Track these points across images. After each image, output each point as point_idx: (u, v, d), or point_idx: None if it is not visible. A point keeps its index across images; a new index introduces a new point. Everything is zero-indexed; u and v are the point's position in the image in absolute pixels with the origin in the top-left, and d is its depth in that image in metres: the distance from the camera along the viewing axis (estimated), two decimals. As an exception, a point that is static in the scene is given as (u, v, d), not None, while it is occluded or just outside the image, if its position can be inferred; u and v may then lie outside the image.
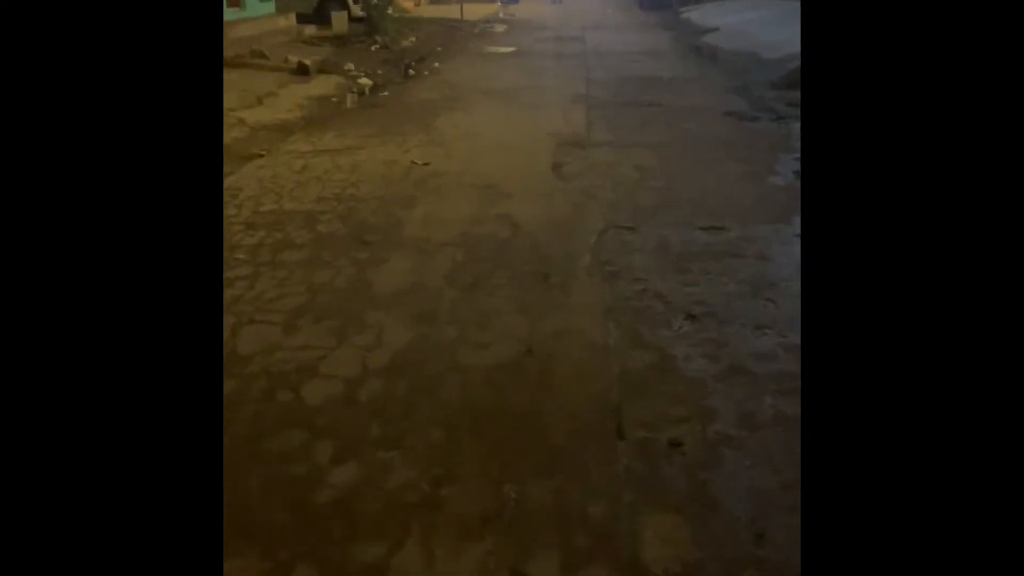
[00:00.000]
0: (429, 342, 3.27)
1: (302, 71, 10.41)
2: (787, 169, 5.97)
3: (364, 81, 10.43)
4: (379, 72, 11.15)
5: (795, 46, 12.37)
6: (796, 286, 3.75)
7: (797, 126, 7.39)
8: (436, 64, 12.25)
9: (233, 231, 4.60)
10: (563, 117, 8.04)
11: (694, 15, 20.07)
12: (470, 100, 9.14)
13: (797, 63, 11.04)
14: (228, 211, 4.98)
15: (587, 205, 5.12)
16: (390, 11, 16.75)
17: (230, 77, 9.73)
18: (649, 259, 4.19)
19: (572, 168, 6.03)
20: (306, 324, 3.43)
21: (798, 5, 19.26)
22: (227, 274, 3.95)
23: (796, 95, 8.94)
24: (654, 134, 7.22)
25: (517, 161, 6.25)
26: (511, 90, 9.80)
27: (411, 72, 11.42)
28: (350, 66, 11.14)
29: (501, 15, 23.13)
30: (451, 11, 21.20)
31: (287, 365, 3.07)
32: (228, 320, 3.44)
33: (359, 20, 14.80)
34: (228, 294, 3.73)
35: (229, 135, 7.06)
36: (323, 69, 10.76)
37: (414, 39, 15.33)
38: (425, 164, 6.15)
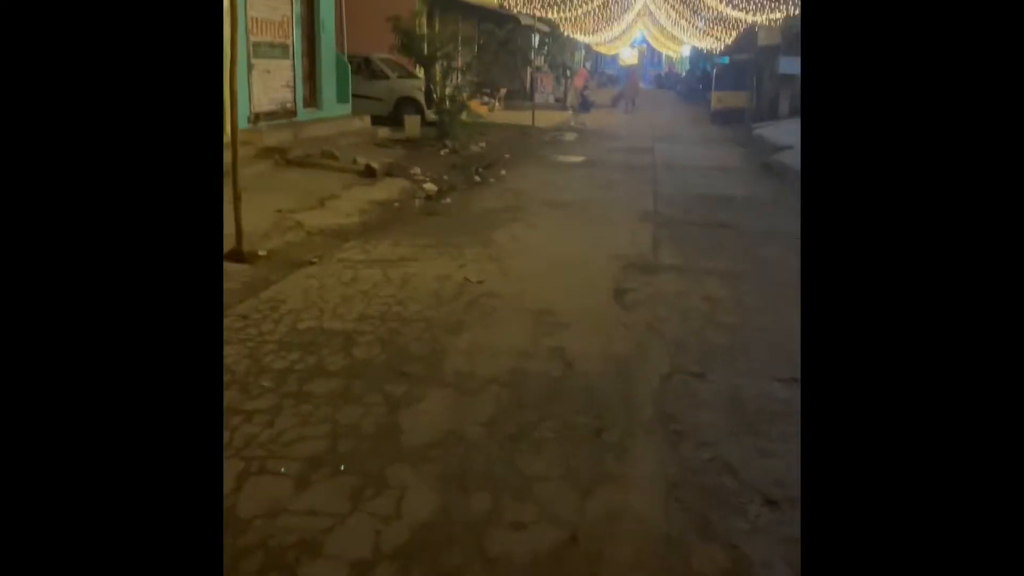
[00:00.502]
0: (456, 515, 2.78)
1: (369, 173, 10.42)
2: (875, 311, 5.40)
3: (429, 186, 10.36)
4: (445, 177, 11.10)
5: (876, 169, 11.95)
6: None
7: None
8: (503, 172, 12.19)
9: (264, 351, 4.28)
10: (629, 235, 7.68)
11: (767, 131, 19.86)
12: (533, 211, 8.90)
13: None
14: (264, 327, 4.68)
15: (650, 342, 4.64)
16: (463, 116, 17.09)
17: (295, 176, 9.78)
18: (720, 416, 3.66)
19: (636, 296, 5.60)
20: (321, 479, 3.00)
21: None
22: (247, 406, 3.58)
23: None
24: (727, 260, 6.77)
25: (576, 284, 5.86)
26: (576, 202, 9.55)
27: (477, 178, 11.35)
28: (417, 170, 11.15)
29: (572, 123, 23.42)
30: (523, 117, 21.53)
31: (289, 536, 2.62)
32: (236, 467, 3.04)
33: (432, 124, 15.03)
34: (244, 432, 3.34)
35: (283, 239, 6.91)
36: (390, 172, 10.77)
37: (484, 144, 15.45)
38: (479, 282, 5.81)
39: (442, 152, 13.48)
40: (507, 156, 14.33)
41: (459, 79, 14.80)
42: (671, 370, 4.21)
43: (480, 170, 12.13)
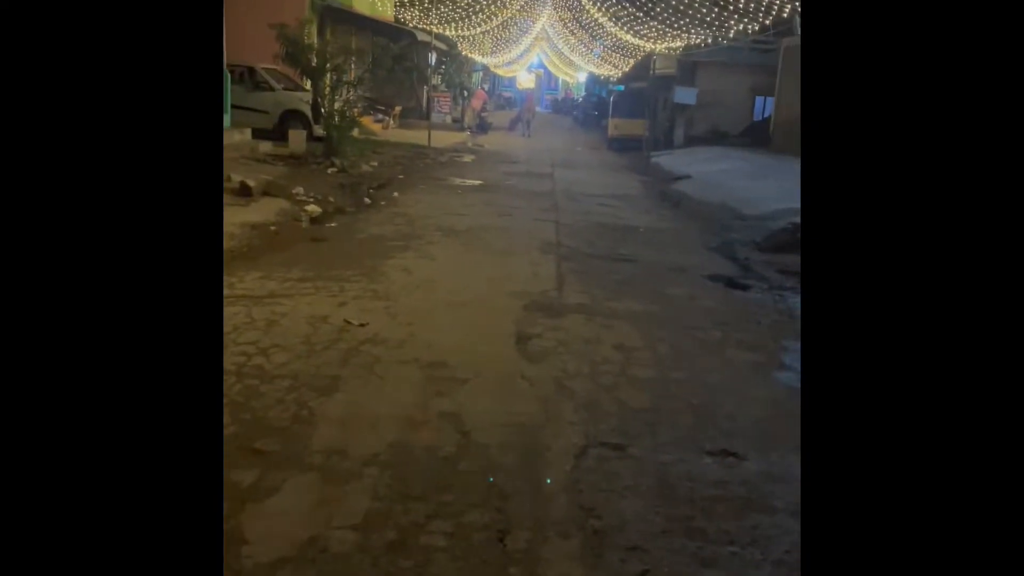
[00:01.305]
0: None
1: (243, 192, 9.37)
2: (797, 362, 4.96)
3: (312, 208, 9.42)
4: (331, 199, 10.19)
5: (775, 203, 11.84)
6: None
7: (795, 300, 6.49)
8: (395, 194, 11.38)
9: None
10: (531, 269, 7.05)
11: (663, 160, 19.94)
12: (427, 239, 8.15)
13: (781, 223, 10.42)
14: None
15: (560, 403, 3.98)
16: (354, 132, 16.16)
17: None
18: (647, 506, 3.03)
19: (541, 343, 4.94)
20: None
21: (770, 159, 19.33)
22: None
23: (785, 260, 8.16)
24: (635, 300, 6.23)
25: (474, 328, 5.15)
26: (474, 231, 8.87)
27: (367, 200, 10.50)
28: (299, 189, 10.17)
29: (470, 144, 22.84)
30: (420, 136, 20.74)
31: None
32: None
33: (320, 140, 14.02)
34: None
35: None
36: (268, 191, 9.75)
37: (376, 163, 14.59)
38: (361, 325, 5.01)
39: (329, 171, 12.52)
40: (401, 177, 13.53)
41: (349, 93, 13.86)
42: (586, 442, 3.55)
43: (370, 191, 11.28)
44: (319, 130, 14.42)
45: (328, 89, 13.35)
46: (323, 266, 6.56)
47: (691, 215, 11.66)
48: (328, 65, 13.29)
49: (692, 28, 13.86)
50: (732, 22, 13.72)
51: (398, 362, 4.40)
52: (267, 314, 5.10)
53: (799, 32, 22.13)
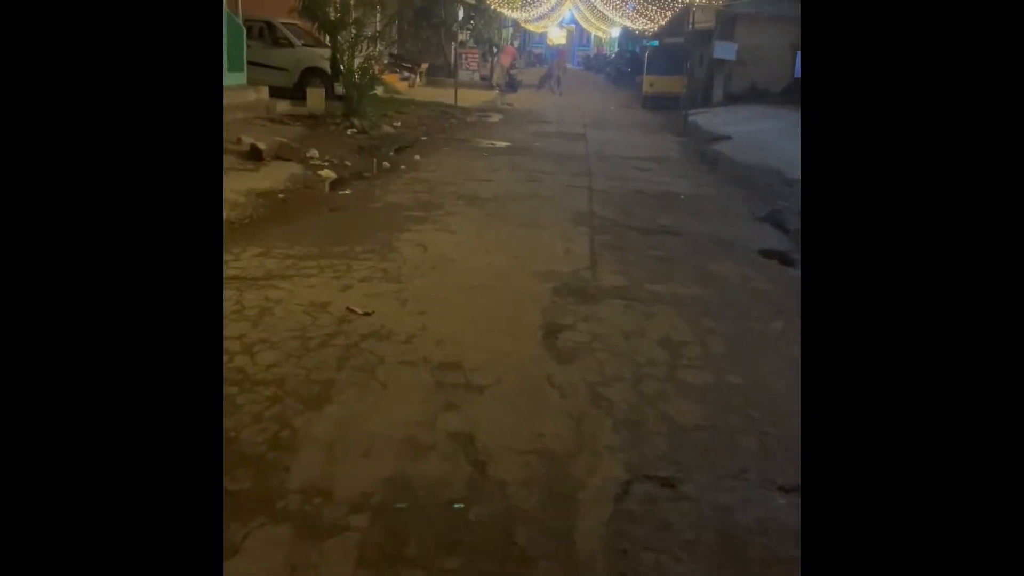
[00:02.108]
0: None
1: (255, 155, 8.74)
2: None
3: (326, 173, 8.77)
4: (347, 163, 9.51)
5: (825, 166, 10.95)
6: None
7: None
8: (417, 157, 10.66)
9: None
10: (562, 245, 6.32)
11: (701, 119, 18.90)
12: (448, 209, 7.45)
13: (834, 188, 9.54)
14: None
15: (596, 421, 3.30)
16: (379, 91, 15.37)
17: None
18: (708, 574, 2.35)
19: (572, 338, 4.24)
20: None
21: (814, 118, 18.15)
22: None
23: (843, 231, 7.34)
24: (680, 281, 5.49)
25: (495, 318, 4.47)
26: (500, 199, 8.14)
27: (386, 164, 9.79)
28: (314, 152, 9.51)
29: (498, 103, 21.95)
30: (446, 95, 19.89)
31: None
32: None
33: (341, 98, 13.29)
34: None
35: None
36: (280, 155, 9.09)
37: (399, 124, 13.85)
38: (366, 314, 4.36)
39: (348, 132, 11.83)
40: (424, 138, 12.79)
41: (370, 49, 13.04)
42: (628, 475, 2.87)
43: (391, 154, 10.58)
44: (340, 88, 13.69)
45: (347, 45, 12.56)
46: (331, 240, 5.90)
47: (735, 179, 10.78)
48: (347, 19, 12.48)
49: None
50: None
51: (404, 363, 3.74)
52: (260, 300, 4.46)
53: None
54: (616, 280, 5.43)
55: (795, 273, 6.04)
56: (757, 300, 5.23)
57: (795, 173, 10.78)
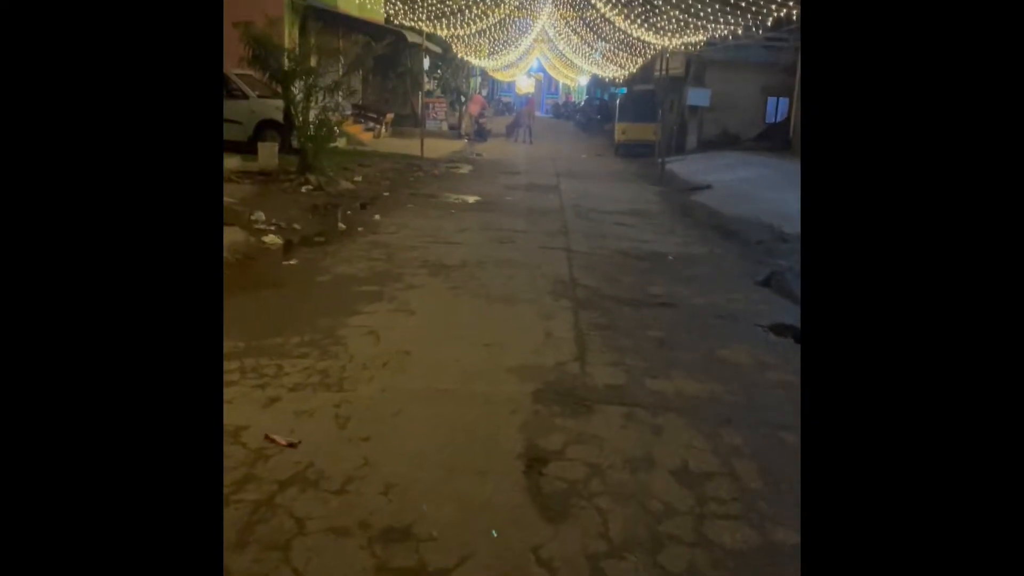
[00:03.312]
0: None
1: (189, 220, 7.68)
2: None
3: (271, 239, 7.76)
4: (297, 226, 8.51)
5: (818, 218, 10.19)
6: None
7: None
8: (377, 216, 9.67)
9: None
10: (542, 326, 5.34)
11: (677, 167, 18.26)
12: (408, 281, 6.45)
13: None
14: None
15: (607, 630, 2.27)
16: (340, 143, 14.47)
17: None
18: None
19: (563, 473, 3.23)
20: None
21: (794, 165, 17.60)
22: None
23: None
24: (687, 373, 4.53)
25: (461, 443, 3.45)
26: (468, 265, 7.17)
27: (342, 226, 8.80)
28: (260, 215, 8.49)
29: (467, 153, 21.17)
30: (413, 145, 19.05)
31: None
32: None
33: (297, 152, 12.33)
34: None
35: None
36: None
37: (360, 178, 12.91)
38: (291, 445, 3.31)
39: (303, 189, 10.84)
40: (386, 194, 11.84)
41: (325, 100, 12.12)
42: None
43: (348, 213, 9.60)
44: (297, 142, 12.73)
45: (302, 96, 11.65)
46: (262, 330, 4.86)
47: (723, 235, 9.95)
48: (301, 68, 11.59)
49: (705, 22, 12.22)
50: (745, 17, 12.10)
51: (333, 531, 2.69)
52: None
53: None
54: (610, 375, 4.44)
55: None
56: (781, 397, 4.28)
57: (787, 227, 9.99)
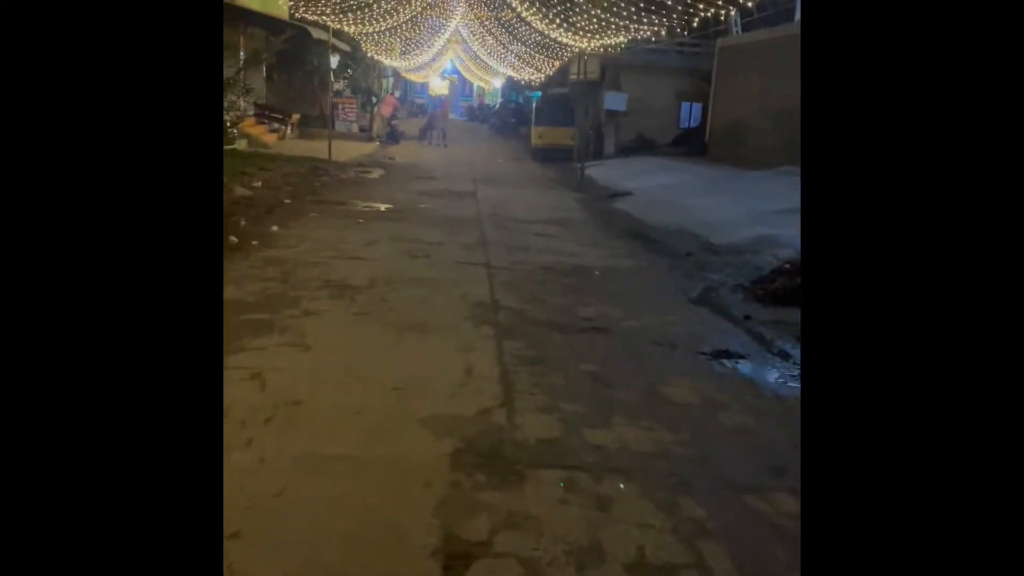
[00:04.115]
0: None
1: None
2: None
3: (147, 256, 6.73)
4: (180, 239, 7.50)
5: (745, 228, 9.74)
6: None
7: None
8: (274, 228, 8.72)
9: None
10: (461, 361, 4.62)
11: (596, 172, 17.85)
12: (305, 306, 5.61)
13: (765, 256, 8.30)
14: None
15: None
16: (240, 145, 13.35)
17: None
18: None
19: (491, 575, 2.52)
20: None
21: (713, 170, 17.43)
22: None
23: (797, 315, 6.01)
24: (630, 419, 3.89)
25: (359, 536, 2.69)
26: (377, 285, 6.37)
27: (232, 240, 7.83)
28: (136, 228, 7.43)
29: (379, 156, 20.22)
30: (321, 148, 17.96)
31: None
32: None
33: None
34: None
35: None
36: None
37: (259, 184, 11.87)
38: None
39: (193, 196, 9.76)
40: (287, 201, 10.86)
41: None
42: None
43: (242, 225, 8.62)
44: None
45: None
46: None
47: (649, 246, 9.47)
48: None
49: (628, 22, 11.81)
50: (670, 18, 11.77)
51: None
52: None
53: (736, 31, 20.52)
54: (543, 425, 3.76)
55: (765, 385, 4.59)
56: (738, 445, 3.70)
57: (714, 237, 9.60)
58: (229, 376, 4.05)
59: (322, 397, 3.91)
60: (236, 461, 3.15)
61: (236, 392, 3.86)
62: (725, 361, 5.04)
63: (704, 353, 5.17)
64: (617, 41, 12.91)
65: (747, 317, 6.17)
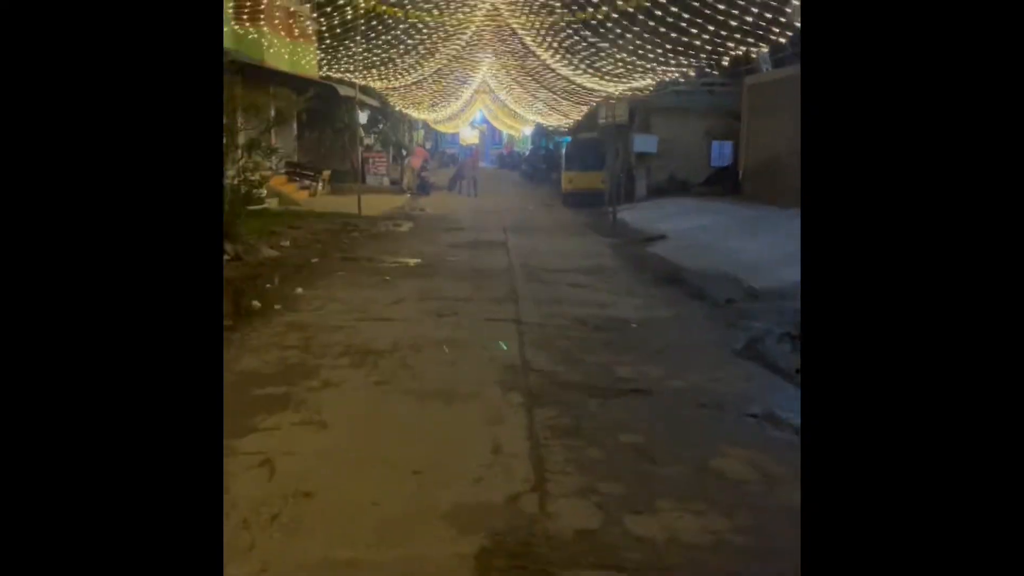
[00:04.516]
0: None
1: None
2: None
3: (165, 326, 6.51)
4: (201, 306, 7.29)
5: (786, 270, 9.21)
6: None
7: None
8: (299, 290, 8.50)
9: None
10: (488, 437, 4.23)
11: (628, 216, 17.53)
12: (325, 376, 5.30)
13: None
14: None
15: None
16: (272, 203, 13.32)
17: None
18: None
19: None
20: None
21: (748, 210, 16.99)
22: None
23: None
24: (679, 504, 3.46)
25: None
26: (401, 349, 6.05)
27: (255, 304, 7.60)
28: (157, 296, 7.25)
29: (409, 209, 20.18)
30: (351, 203, 17.97)
31: None
32: None
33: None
34: None
35: None
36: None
37: (287, 243, 11.75)
38: None
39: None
40: (315, 260, 10.69)
41: (242, 159, 10.96)
42: None
43: (266, 288, 8.42)
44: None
45: (216, 155, 10.49)
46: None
47: (688, 293, 9.04)
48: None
49: (655, 64, 11.59)
50: (692, 61, 11.52)
51: None
52: None
53: (766, 69, 20.22)
54: (580, 513, 3.34)
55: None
56: (806, 532, 3.23)
57: (755, 281, 9.15)
58: (237, 464, 3.72)
59: (335, 486, 3.55)
60: (251, 568, 2.79)
61: (243, 482, 3.53)
62: (779, 424, 4.59)
63: (755, 415, 4.72)
64: (645, 84, 12.67)
65: (799, 371, 5.70)
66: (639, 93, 15.83)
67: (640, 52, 11.21)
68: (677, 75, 11.66)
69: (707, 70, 11.53)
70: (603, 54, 13.17)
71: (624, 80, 13.74)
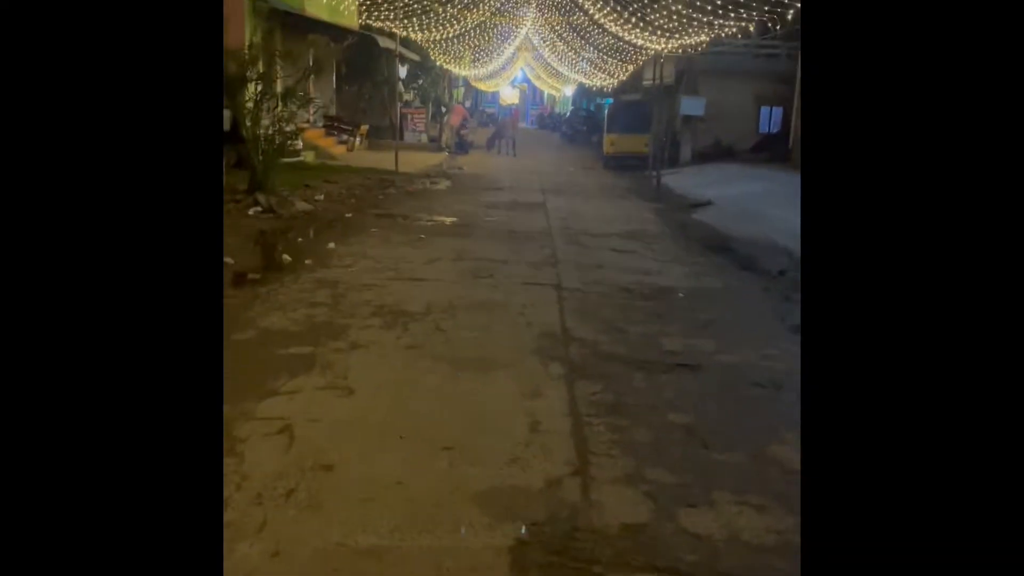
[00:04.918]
0: None
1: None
2: None
3: (191, 278, 6.26)
4: (229, 259, 7.02)
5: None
6: None
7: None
8: (331, 245, 8.21)
9: None
10: (524, 411, 3.90)
11: (673, 181, 16.93)
12: (354, 338, 5.00)
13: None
14: None
15: None
16: (308, 156, 13.01)
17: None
18: None
19: None
20: None
21: (796, 177, 16.35)
22: None
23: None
24: (737, 496, 3.10)
25: None
26: (434, 312, 5.73)
27: (286, 258, 7.32)
28: (185, 247, 6.99)
29: (446, 167, 19.76)
30: (388, 159, 17.59)
31: None
32: None
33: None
34: None
35: None
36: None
37: (321, 197, 11.45)
38: None
39: (251, 211, 9.38)
40: (348, 216, 10.38)
41: (279, 109, 10.60)
42: None
43: (298, 241, 8.13)
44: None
45: (250, 103, 10.19)
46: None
47: (737, 263, 8.56)
48: (250, 73, 10.14)
49: (706, 22, 10.95)
50: (752, 15, 10.84)
51: None
52: None
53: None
54: (627, 504, 3.00)
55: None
56: None
57: (809, 252, 8.65)
58: (253, 429, 3.45)
59: (358, 461, 3.25)
60: (242, 557, 2.51)
61: (259, 452, 3.25)
62: (844, 410, 4.18)
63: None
64: (698, 40, 12.02)
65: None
66: (690, 51, 15.09)
67: (697, 3, 10.56)
68: (735, 30, 10.99)
69: (769, 25, 10.83)
70: (657, 6, 12.51)
71: (676, 36, 13.06)
